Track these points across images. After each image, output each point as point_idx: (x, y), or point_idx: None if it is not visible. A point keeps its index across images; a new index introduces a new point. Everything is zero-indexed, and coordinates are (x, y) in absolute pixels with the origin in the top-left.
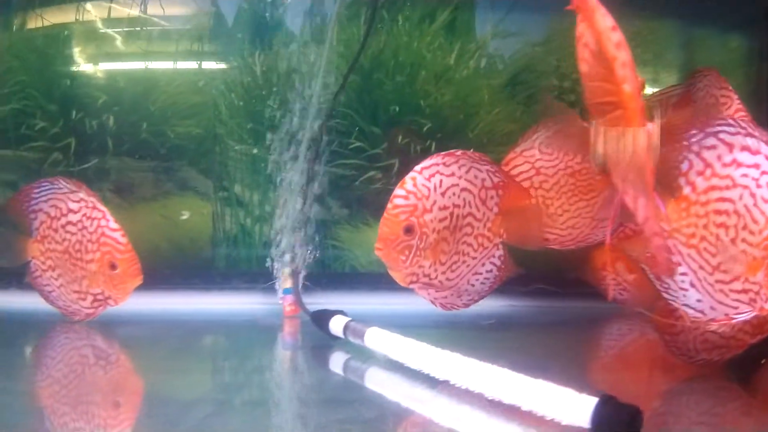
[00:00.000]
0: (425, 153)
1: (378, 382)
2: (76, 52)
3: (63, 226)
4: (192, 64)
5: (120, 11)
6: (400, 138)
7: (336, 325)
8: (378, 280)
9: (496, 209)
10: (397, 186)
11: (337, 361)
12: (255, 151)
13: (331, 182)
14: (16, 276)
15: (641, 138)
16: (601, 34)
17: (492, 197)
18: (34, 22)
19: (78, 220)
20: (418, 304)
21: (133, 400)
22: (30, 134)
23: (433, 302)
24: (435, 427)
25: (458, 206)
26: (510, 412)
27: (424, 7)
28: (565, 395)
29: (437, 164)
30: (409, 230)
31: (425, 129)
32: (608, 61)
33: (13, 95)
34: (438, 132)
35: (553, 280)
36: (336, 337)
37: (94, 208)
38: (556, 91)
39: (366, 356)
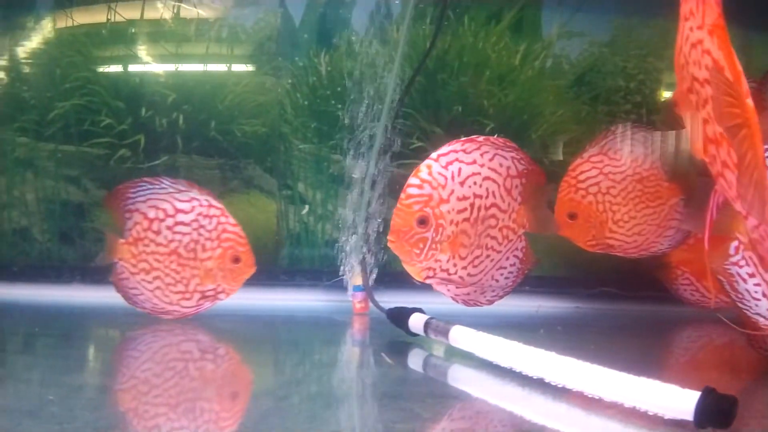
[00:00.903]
0: None
1: (462, 379)
2: (144, 50)
3: (170, 228)
4: (259, 64)
5: (189, 11)
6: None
7: (416, 322)
8: None
9: (520, 199)
10: (411, 174)
11: (416, 359)
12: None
13: (392, 181)
14: (79, 270)
15: (761, 153)
16: (731, 49)
17: (517, 186)
18: (99, 17)
19: (192, 219)
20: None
21: (245, 391)
22: (94, 130)
23: (454, 299)
24: (528, 425)
25: (480, 196)
26: (609, 409)
27: (490, 7)
28: (667, 390)
29: (456, 151)
30: (423, 222)
31: (488, 130)
32: (734, 76)
33: (76, 90)
34: (501, 132)
35: (617, 283)
36: (414, 335)
37: (210, 206)
38: (622, 92)
39: (447, 354)
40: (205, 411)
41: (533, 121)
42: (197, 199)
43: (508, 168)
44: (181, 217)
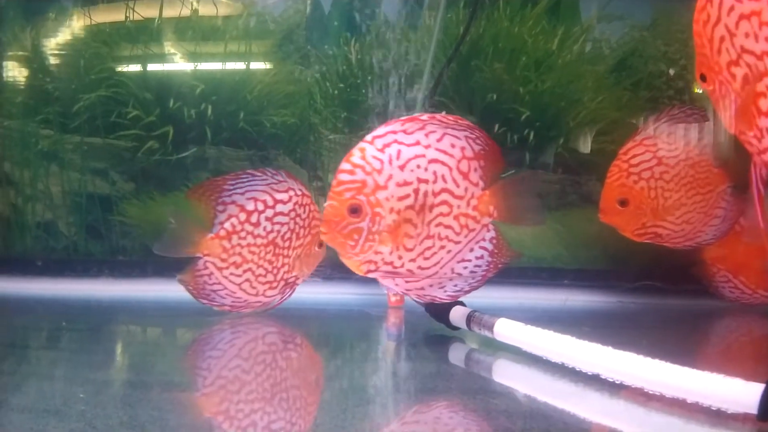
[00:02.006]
0: (522, 143)
1: (508, 374)
2: (172, 40)
3: (269, 219)
4: (287, 53)
5: (217, 1)
6: (495, 127)
7: (458, 315)
8: None
9: (482, 183)
10: (343, 159)
11: (457, 353)
12: None
13: None
14: (107, 264)
15: None
16: None
17: (476, 169)
18: (125, 8)
19: (290, 209)
20: (518, 297)
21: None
22: (121, 122)
23: (406, 293)
24: (583, 423)
25: (426, 181)
26: (669, 405)
27: None
28: (730, 384)
29: (395, 132)
30: (355, 210)
31: (523, 117)
32: None
33: (102, 82)
34: (537, 120)
35: (659, 276)
36: (455, 328)
37: (303, 194)
38: (664, 77)
39: (491, 348)
40: None
41: (571, 108)
42: (293, 189)
43: (463, 149)
44: (280, 208)
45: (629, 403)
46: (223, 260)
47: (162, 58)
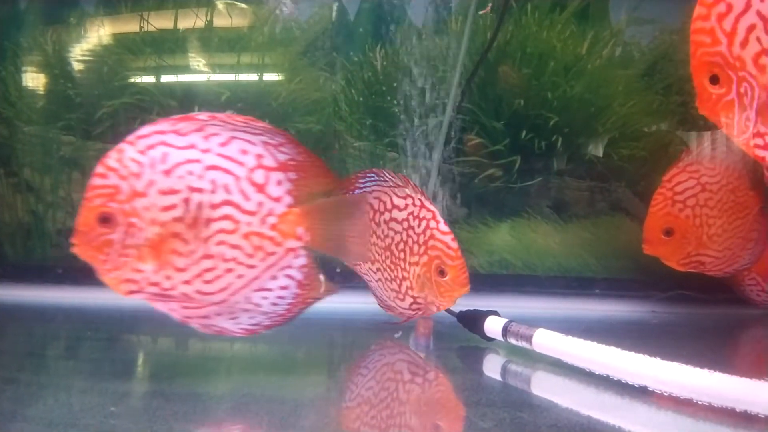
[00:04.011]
0: (550, 149)
1: (547, 387)
2: (196, 47)
3: (386, 222)
4: (313, 60)
5: (243, 7)
6: (523, 133)
7: (493, 325)
8: (502, 283)
9: (288, 199)
10: (99, 162)
11: (492, 365)
12: None
13: (449, 180)
14: None
15: None
16: None
17: (279, 182)
18: (149, 14)
19: (404, 218)
20: (546, 307)
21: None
22: None
23: (185, 321)
24: None
25: (201, 191)
26: (720, 415)
27: None
28: None
29: (162, 132)
30: (106, 219)
31: (552, 123)
32: None
33: (126, 89)
34: (565, 126)
35: (692, 285)
36: (490, 339)
37: (422, 206)
38: None
39: (527, 360)
40: None
41: (601, 114)
42: (411, 197)
43: (259, 156)
44: (395, 214)
45: (678, 414)
46: None
47: (186, 64)
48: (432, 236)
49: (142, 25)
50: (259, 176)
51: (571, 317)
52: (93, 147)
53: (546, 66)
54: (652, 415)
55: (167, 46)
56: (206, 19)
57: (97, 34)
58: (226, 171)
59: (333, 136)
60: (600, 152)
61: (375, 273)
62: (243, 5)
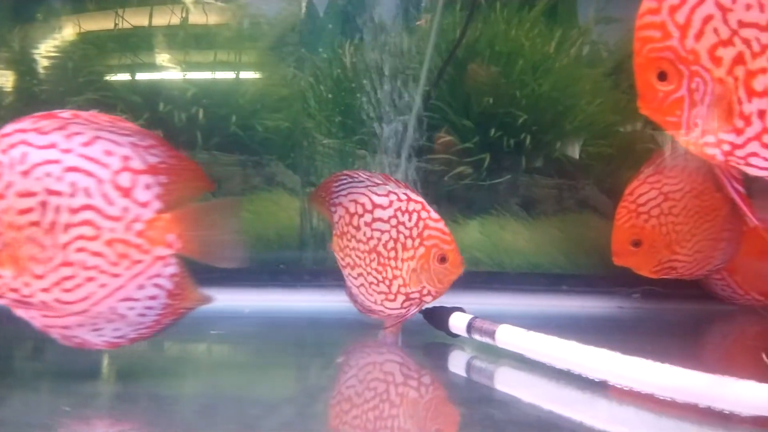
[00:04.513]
0: (519, 147)
1: (510, 383)
2: (162, 42)
3: (368, 224)
4: (281, 56)
5: (209, 1)
6: (492, 131)
7: (458, 322)
8: (471, 280)
9: (158, 205)
10: None
11: (457, 361)
12: None
13: (418, 178)
14: None
15: None
16: None
17: (148, 186)
18: (115, 8)
19: (390, 215)
20: (515, 304)
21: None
22: None
23: (45, 330)
24: (592, 431)
25: (59, 194)
26: (681, 410)
27: None
28: (744, 387)
29: (24, 131)
30: None
31: (520, 121)
32: None
33: (89, 85)
34: (534, 125)
35: (659, 281)
36: (454, 335)
37: (409, 200)
38: None
39: (492, 356)
40: None
41: (568, 112)
42: (395, 193)
43: (126, 158)
44: (378, 213)
45: (639, 409)
46: (341, 259)
47: (152, 60)
48: (426, 226)
49: (108, 21)
50: (124, 179)
51: (540, 314)
52: None
53: (515, 64)
54: (612, 409)
55: (133, 42)
56: (173, 15)
57: (64, 31)
58: (88, 173)
59: (301, 133)
60: (568, 150)
61: (356, 278)
62: (210, 0)
